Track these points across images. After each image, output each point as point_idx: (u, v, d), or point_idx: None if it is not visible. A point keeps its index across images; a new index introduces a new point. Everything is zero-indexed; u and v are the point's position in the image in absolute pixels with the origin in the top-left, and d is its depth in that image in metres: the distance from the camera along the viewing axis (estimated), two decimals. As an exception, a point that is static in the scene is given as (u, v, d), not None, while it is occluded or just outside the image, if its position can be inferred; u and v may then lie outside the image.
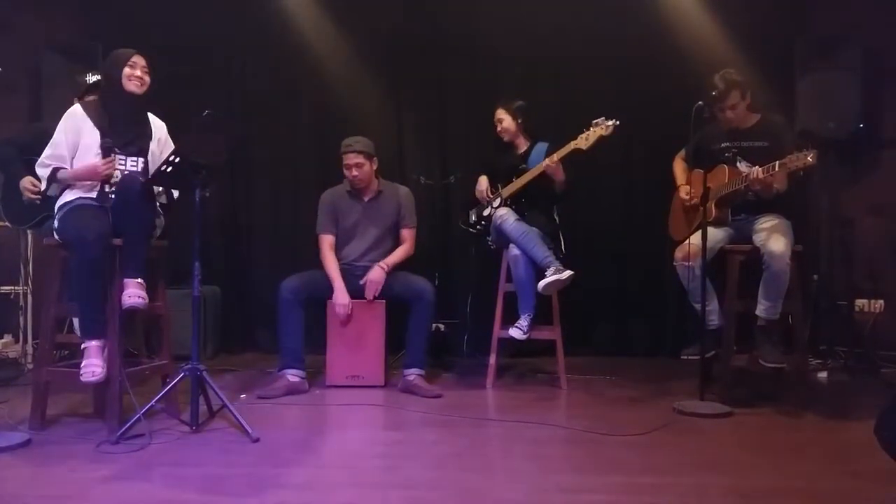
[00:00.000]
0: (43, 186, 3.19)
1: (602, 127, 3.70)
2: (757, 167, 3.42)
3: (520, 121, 4.09)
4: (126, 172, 3.15)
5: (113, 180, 3.10)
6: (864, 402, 3.54)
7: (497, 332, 4.00)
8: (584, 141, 3.74)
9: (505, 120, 4.09)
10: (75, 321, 3.38)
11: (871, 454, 2.39)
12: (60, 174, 3.12)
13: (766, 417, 3.35)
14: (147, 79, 3.25)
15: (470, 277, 4.82)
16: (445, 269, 4.87)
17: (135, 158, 3.21)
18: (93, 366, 2.92)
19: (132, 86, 3.20)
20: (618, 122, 3.70)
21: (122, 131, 3.17)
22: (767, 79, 4.31)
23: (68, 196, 3.15)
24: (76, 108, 3.21)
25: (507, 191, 4.07)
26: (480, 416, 3.44)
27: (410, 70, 5.12)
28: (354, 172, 4.01)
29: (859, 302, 4.67)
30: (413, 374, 3.87)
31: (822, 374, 4.22)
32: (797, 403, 3.45)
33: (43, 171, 3.15)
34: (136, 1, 4.94)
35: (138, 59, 3.24)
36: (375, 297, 3.93)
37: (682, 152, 3.97)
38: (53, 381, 3.17)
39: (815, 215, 4.72)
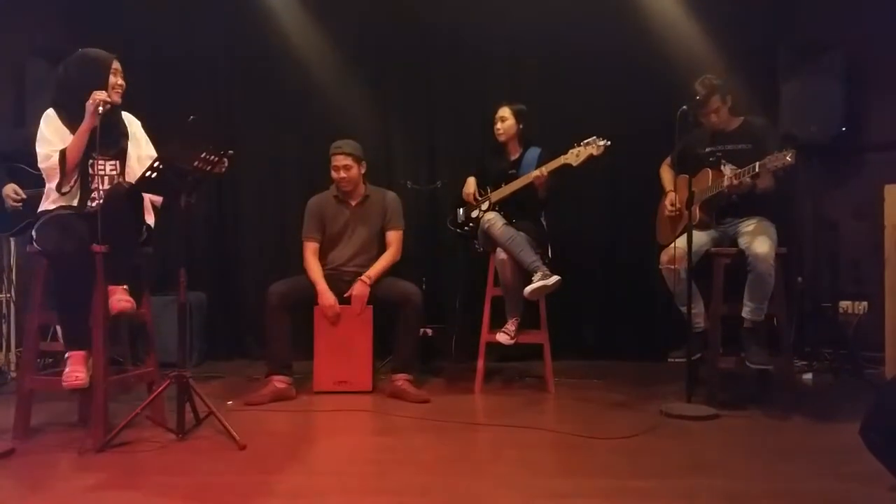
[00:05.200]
0: (54, 183, 3.05)
1: (593, 146, 3.73)
2: (730, 169, 3.47)
3: (521, 126, 4.10)
4: (109, 176, 3.12)
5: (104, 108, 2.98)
6: (850, 404, 3.56)
7: (485, 336, 4.00)
8: (574, 157, 3.77)
9: (508, 120, 4.09)
10: (59, 329, 3.35)
11: (858, 456, 2.41)
12: (68, 151, 3.01)
13: (752, 419, 3.37)
14: (125, 84, 3.20)
15: (457, 282, 4.82)
16: (433, 274, 4.87)
17: (113, 162, 3.16)
18: (76, 371, 2.89)
19: (115, 96, 3.15)
20: (609, 143, 3.73)
21: (99, 136, 3.04)
22: (751, 83, 4.34)
23: (48, 205, 3.09)
24: (52, 112, 3.12)
25: (495, 195, 4.08)
26: (469, 420, 3.43)
27: (398, 74, 5.12)
28: (342, 174, 4.01)
29: (843, 304, 4.71)
30: (401, 379, 3.86)
31: (808, 376, 4.25)
32: (783, 405, 3.47)
33: (50, 163, 3.02)
34: (121, 6, 4.91)
35: (118, 65, 3.18)
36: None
37: (669, 159, 4.00)
38: (37, 389, 3.13)
39: (800, 218, 4.76)
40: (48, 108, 3.14)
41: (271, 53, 5.02)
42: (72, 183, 3.07)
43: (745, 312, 3.50)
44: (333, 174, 4.05)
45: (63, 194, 3.07)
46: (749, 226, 3.61)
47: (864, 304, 4.64)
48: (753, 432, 3.20)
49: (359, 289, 3.92)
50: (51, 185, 3.08)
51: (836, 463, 2.71)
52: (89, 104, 3.00)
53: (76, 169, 3.07)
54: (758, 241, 3.46)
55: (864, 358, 4.38)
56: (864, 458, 2.37)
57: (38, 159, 3.07)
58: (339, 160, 4.01)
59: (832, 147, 4.48)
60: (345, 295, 3.94)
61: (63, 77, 3.17)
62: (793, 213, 4.69)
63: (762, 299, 3.46)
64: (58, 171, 3.04)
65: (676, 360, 3.71)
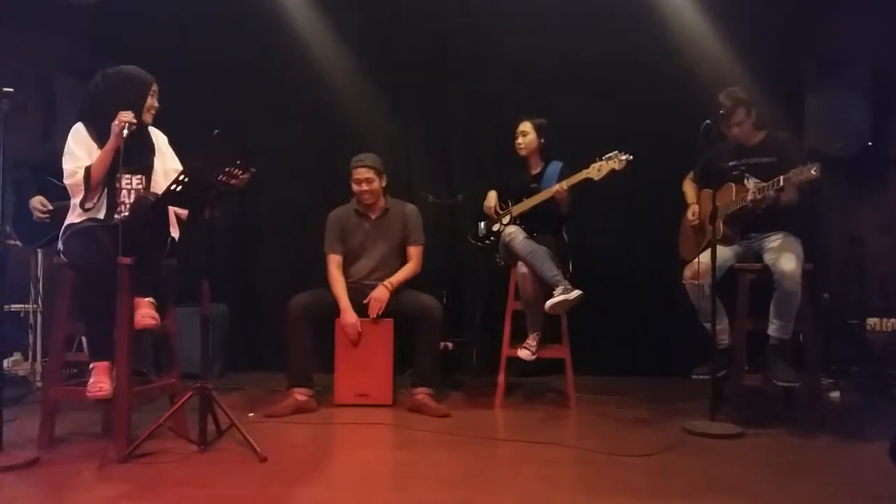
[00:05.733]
0: (78, 199, 3.08)
1: (615, 161, 3.73)
2: (753, 183, 3.44)
3: (542, 140, 4.10)
4: (135, 191, 3.15)
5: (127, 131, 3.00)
6: (878, 423, 3.50)
7: (506, 351, 3.99)
8: (595, 172, 3.77)
9: (529, 134, 4.10)
10: (84, 340, 3.38)
11: (886, 477, 2.37)
12: (93, 169, 3.04)
13: (777, 438, 3.32)
14: (158, 106, 3.26)
15: (478, 296, 4.81)
16: (453, 287, 4.86)
17: (140, 176, 3.18)
18: (100, 382, 2.92)
19: (149, 116, 3.21)
20: (631, 157, 3.72)
21: (126, 150, 3.06)
22: (775, 98, 4.31)
23: (74, 218, 3.12)
24: (81, 127, 3.15)
25: (517, 209, 4.08)
26: (489, 435, 3.41)
27: (417, 88, 5.15)
28: (364, 187, 4.03)
29: (871, 321, 4.62)
30: (421, 393, 3.85)
31: (835, 394, 4.17)
32: (809, 424, 3.42)
33: (75, 179, 3.05)
34: (144, 25, 4.98)
35: (156, 87, 3.23)
36: (380, 315, 3.92)
37: (692, 173, 3.97)
38: (62, 399, 3.17)
39: (825, 234, 4.70)
40: (76, 122, 3.18)
41: (293, 69, 5.06)
42: (95, 200, 3.09)
43: (772, 330, 3.45)
44: (355, 187, 4.07)
45: (87, 210, 3.10)
46: (774, 241, 3.56)
47: (893, 321, 4.56)
48: (778, 451, 3.14)
49: (379, 291, 3.92)
50: (75, 201, 3.12)
51: (863, 484, 2.66)
52: (115, 125, 3.02)
53: (100, 186, 3.10)
54: (784, 257, 3.41)
55: (892, 376, 4.30)
56: (891, 479, 2.33)
57: (64, 175, 3.10)
58: (362, 173, 4.03)
59: (858, 162, 4.43)
60: (364, 301, 3.95)
61: (100, 91, 3.19)
62: (818, 229, 4.63)
63: (789, 317, 3.42)
64: (82, 187, 3.07)
65: (700, 376, 3.67)
